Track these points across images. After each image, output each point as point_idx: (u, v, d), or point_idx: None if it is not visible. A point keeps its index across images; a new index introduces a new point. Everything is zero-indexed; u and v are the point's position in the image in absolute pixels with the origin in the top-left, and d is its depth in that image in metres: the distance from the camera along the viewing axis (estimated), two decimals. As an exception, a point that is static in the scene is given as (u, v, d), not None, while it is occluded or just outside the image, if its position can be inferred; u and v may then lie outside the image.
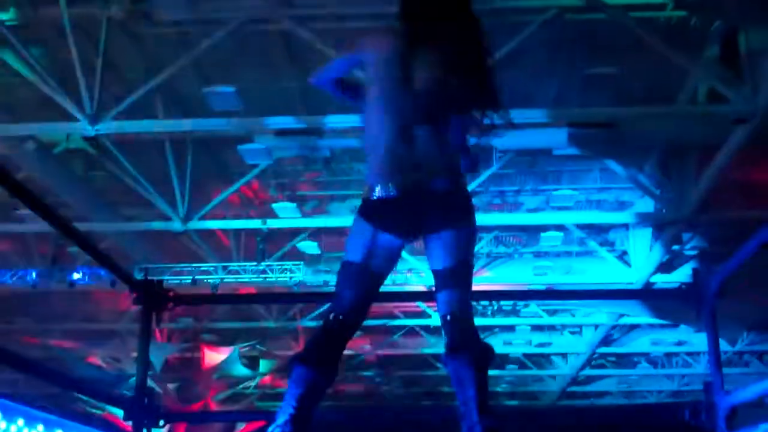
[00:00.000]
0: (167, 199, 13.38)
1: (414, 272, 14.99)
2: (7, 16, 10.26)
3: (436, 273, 3.18)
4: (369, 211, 3.14)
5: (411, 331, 21.06)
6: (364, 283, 3.14)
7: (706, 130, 10.74)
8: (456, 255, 3.14)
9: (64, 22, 9.89)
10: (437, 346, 21.11)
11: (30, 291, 15.93)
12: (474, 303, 3.34)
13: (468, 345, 3.07)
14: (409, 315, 19.94)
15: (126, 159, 12.88)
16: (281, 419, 3.00)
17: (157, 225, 14.32)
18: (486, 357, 3.08)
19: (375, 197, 3.11)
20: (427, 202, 3.11)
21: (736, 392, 3.72)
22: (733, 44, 9.85)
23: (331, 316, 3.09)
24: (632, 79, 11.51)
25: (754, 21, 9.55)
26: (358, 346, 21.72)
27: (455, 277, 3.17)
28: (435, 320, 19.16)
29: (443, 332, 3.16)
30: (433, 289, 3.24)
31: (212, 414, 17.45)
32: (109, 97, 10.73)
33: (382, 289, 3.30)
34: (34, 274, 15.58)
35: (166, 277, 13.44)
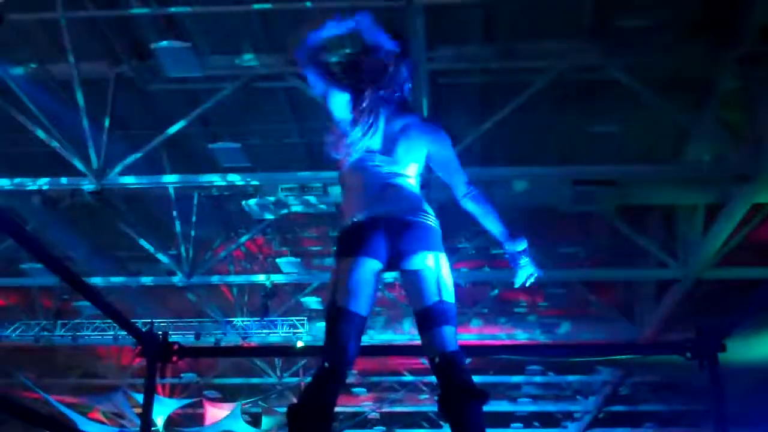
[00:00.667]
0: (172, 253, 13.43)
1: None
2: (18, 71, 10.42)
3: (416, 314, 3.18)
4: (347, 237, 3.16)
5: (415, 388, 20.93)
6: (357, 329, 3.10)
7: (708, 188, 10.80)
8: (432, 293, 3.14)
9: (74, 77, 10.03)
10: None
11: (33, 345, 15.90)
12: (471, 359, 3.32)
13: (462, 392, 3.02)
14: (413, 372, 19.85)
15: (132, 214, 12.98)
16: None
17: (161, 280, 14.36)
18: (480, 403, 3.01)
19: (351, 222, 3.15)
20: (398, 226, 3.14)
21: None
22: (735, 103, 9.94)
23: (326, 364, 3.05)
24: (634, 138, 11.60)
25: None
26: (361, 403, 21.58)
27: (435, 316, 3.14)
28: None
29: (435, 377, 3.13)
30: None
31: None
32: (116, 152, 10.84)
33: (386, 343, 3.31)
34: (37, 329, 15.55)
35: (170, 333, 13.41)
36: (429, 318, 3.13)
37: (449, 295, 3.17)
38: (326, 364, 3.06)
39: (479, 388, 3.05)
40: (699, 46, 9.86)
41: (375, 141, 3.32)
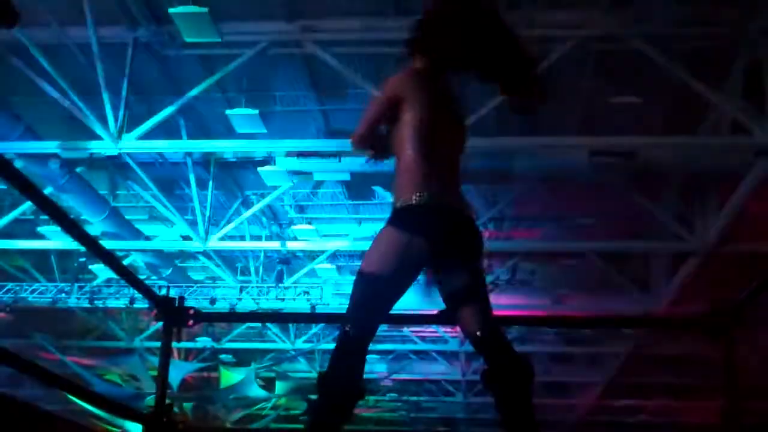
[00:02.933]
0: (188, 219, 13.49)
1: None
2: (37, 34, 10.42)
3: (454, 293, 3.19)
4: (408, 216, 3.12)
5: (427, 357, 21.02)
6: (388, 300, 3.14)
7: (727, 162, 10.73)
8: (480, 280, 3.20)
9: (92, 42, 10.04)
10: (453, 372, 21.07)
11: (50, 307, 16.04)
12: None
13: (509, 365, 3.08)
14: (425, 340, 19.92)
15: (148, 178, 13.02)
16: None
17: (178, 245, 14.44)
18: (528, 375, 3.09)
19: (415, 203, 3.11)
20: (457, 221, 3.18)
21: (755, 426, 3.71)
22: (758, 76, 9.83)
23: (351, 331, 3.07)
24: (654, 109, 11.52)
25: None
26: (374, 370, 21.71)
27: (476, 292, 3.21)
28: (452, 345, 19.14)
29: (477, 352, 3.17)
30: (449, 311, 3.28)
31: (230, 431, 17.44)
32: (134, 118, 10.86)
33: (400, 312, 3.33)
34: (54, 291, 15.68)
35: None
36: (470, 293, 3.19)
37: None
38: (349, 332, 3.07)
39: (528, 363, 3.10)
40: (722, 17, 9.75)
41: None
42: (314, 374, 21.57)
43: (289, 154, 11.54)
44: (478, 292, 3.21)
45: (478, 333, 3.13)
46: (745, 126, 9.75)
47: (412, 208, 3.11)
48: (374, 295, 3.11)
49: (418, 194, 3.11)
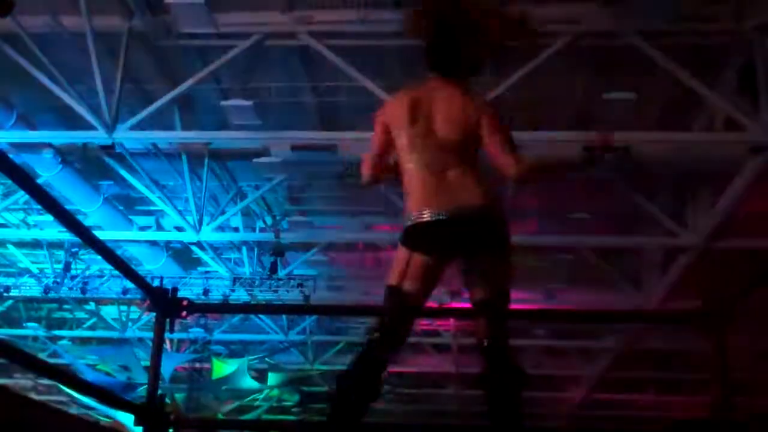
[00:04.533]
0: (181, 210, 13.48)
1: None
2: (31, 23, 10.38)
3: (473, 302, 3.35)
4: (406, 235, 3.43)
5: (420, 349, 21.03)
6: (409, 310, 3.46)
7: (721, 158, 10.75)
8: (493, 285, 3.32)
9: (86, 31, 10.00)
10: (445, 365, 21.10)
11: (42, 297, 16.03)
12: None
13: (503, 372, 3.31)
14: (418, 333, 19.93)
15: (142, 169, 13.01)
16: None
17: (171, 236, 14.43)
18: (520, 383, 3.34)
19: (410, 223, 3.41)
20: (463, 226, 3.33)
21: (743, 418, 3.72)
22: (751, 73, 9.85)
23: (377, 337, 3.38)
24: (648, 105, 11.53)
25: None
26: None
27: (492, 308, 3.39)
28: (445, 338, 19.17)
29: (479, 353, 3.41)
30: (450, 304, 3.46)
31: (222, 422, 17.41)
32: (128, 108, 10.83)
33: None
34: (46, 281, 15.66)
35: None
36: (486, 308, 3.43)
37: (509, 284, 3.51)
38: (375, 337, 3.40)
39: (523, 373, 3.38)
40: (716, 13, 9.76)
41: None
42: (307, 366, 21.64)
43: (283, 146, 11.53)
44: (490, 293, 3.38)
45: (485, 342, 3.37)
46: (738, 122, 9.78)
47: (407, 229, 3.43)
48: (394, 305, 3.42)
49: (411, 217, 3.41)
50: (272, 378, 22.75)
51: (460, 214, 3.31)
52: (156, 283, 5.87)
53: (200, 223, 13.19)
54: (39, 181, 11.68)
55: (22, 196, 13.36)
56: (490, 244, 3.37)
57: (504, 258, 3.41)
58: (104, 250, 3.44)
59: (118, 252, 15.02)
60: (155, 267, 15.53)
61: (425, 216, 3.33)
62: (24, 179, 2.72)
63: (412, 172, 3.42)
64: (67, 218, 3.02)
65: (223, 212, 13.89)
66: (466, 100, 3.49)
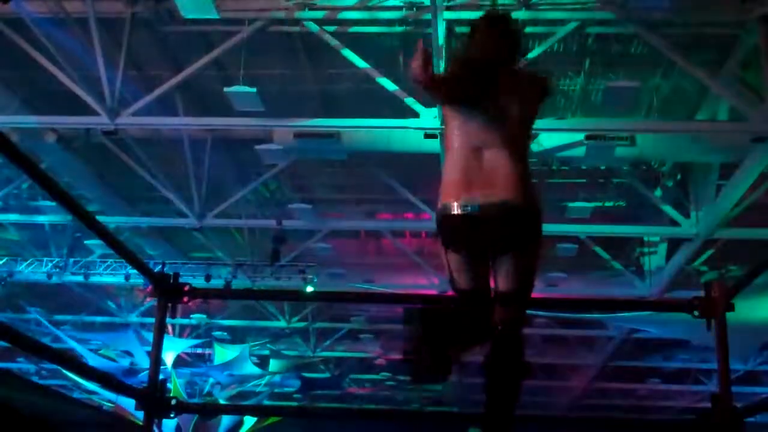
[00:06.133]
0: (184, 196, 13.48)
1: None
2: (34, 8, 10.37)
3: (497, 290, 3.32)
4: (438, 229, 3.33)
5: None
6: (470, 281, 3.33)
7: (724, 148, 10.73)
8: (519, 279, 3.29)
9: (89, 17, 9.98)
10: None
11: (45, 282, 16.06)
12: None
13: (508, 362, 3.31)
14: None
15: (144, 156, 13.00)
16: None
17: (173, 221, 14.44)
18: (523, 376, 3.33)
19: (442, 215, 3.27)
20: (494, 222, 3.20)
21: (745, 407, 3.73)
22: (756, 63, 9.82)
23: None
24: (652, 94, 11.51)
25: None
26: (369, 349, 21.79)
27: (514, 300, 3.33)
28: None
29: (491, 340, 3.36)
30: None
31: (223, 407, 17.47)
32: (131, 94, 10.83)
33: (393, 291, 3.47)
34: (49, 265, 15.69)
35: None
36: (509, 298, 3.35)
37: (534, 277, 3.42)
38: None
39: (526, 366, 3.37)
40: (720, 3, 9.72)
41: None
42: (309, 353, 21.69)
43: (286, 133, 11.53)
44: (517, 284, 3.31)
45: (498, 328, 3.31)
46: (742, 112, 9.76)
47: (438, 221, 3.33)
48: (455, 284, 3.37)
49: (441, 204, 3.29)
50: (274, 364, 22.82)
51: (491, 209, 3.17)
52: (158, 268, 5.89)
53: (203, 209, 13.20)
54: (42, 166, 11.69)
55: (25, 180, 13.37)
56: (522, 241, 3.26)
57: (535, 252, 3.30)
58: (106, 235, 3.44)
59: (121, 237, 15.06)
60: (157, 253, 15.57)
61: (455, 208, 3.21)
62: (27, 164, 2.72)
63: (454, 151, 3.29)
64: (69, 203, 3.02)
65: (226, 199, 13.89)
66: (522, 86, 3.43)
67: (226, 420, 20.29)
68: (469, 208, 3.18)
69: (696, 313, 3.94)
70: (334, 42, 10.20)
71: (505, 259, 3.29)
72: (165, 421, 3.87)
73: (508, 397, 3.31)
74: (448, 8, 9.60)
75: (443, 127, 3.47)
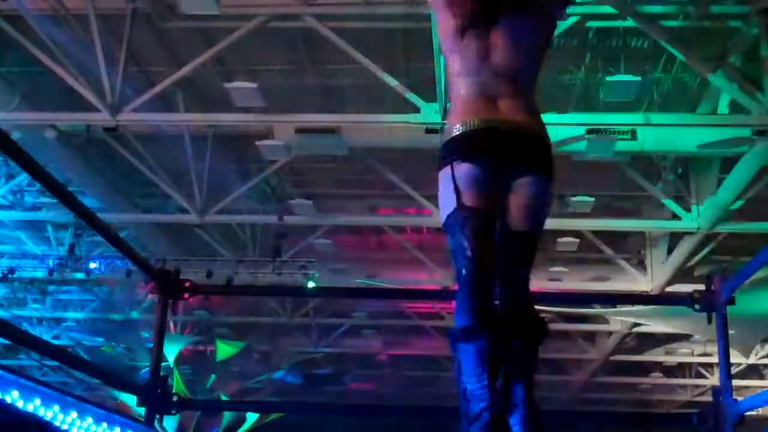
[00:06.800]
0: (185, 192, 13.48)
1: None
2: (33, 4, 10.36)
3: (503, 236, 3.05)
4: (449, 151, 3.03)
5: (423, 332, 21.07)
6: (473, 227, 3.00)
7: (725, 141, 10.72)
8: (534, 213, 3.06)
9: (89, 12, 9.97)
10: (447, 348, 21.13)
11: (47, 279, 16.06)
12: None
13: (522, 329, 3.00)
14: (422, 315, 19.96)
15: (145, 151, 13.00)
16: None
17: (174, 217, 14.45)
18: (539, 336, 3.02)
19: (454, 135, 3.03)
20: (507, 139, 3.02)
21: (745, 400, 3.73)
22: (756, 56, 9.81)
23: (463, 270, 2.97)
24: (653, 88, 11.50)
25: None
26: (369, 344, 21.79)
27: (522, 253, 3.09)
28: (447, 322, 19.19)
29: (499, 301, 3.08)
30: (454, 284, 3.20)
31: (225, 403, 17.48)
32: (131, 90, 10.82)
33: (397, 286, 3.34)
34: (51, 262, 15.68)
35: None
36: (516, 250, 3.08)
37: (542, 226, 3.18)
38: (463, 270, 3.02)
39: (544, 325, 3.05)
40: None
41: None
42: (311, 349, 21.70)
43: (287, 129, 11.53)
44: (530, 221, 3.07)
45: (506, 291, 3.06)
46: (743, 105, 9.75)
47: (452, 140, 3.07)
48: (466, 228, 3.04)
49: (455, 128, 3.05)
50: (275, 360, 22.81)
51: (510, 127, 3.01)
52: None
53: (204, 205, 13.20)
54: (42, 162, 11.69)
55: (25, 178, 13.37)
56: (541, 162, 3.08)
57: (550, 183, 3.10)
58: (106, 232, 3.44)
59: (122, 234, 15.07)
60: (158, 249, 15.56)
61: (475, 123, 2.99)
62: (27, 161, 2.72)
63: (461, 93, 3.09)
64: (69, 199, 3.03)
65: (227, 194, 13.89)
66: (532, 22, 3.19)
67: (228, 416, 20.30)
68: (490, 122, 3.01)
69: (697, 306, 3.95)
70: (334, 37, 10.19)
71: (520, 185, 3.05)
72: (166, 417, 3.87)
73: (530, 375, 2.99)
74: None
75: (447, 79, 3.19)
